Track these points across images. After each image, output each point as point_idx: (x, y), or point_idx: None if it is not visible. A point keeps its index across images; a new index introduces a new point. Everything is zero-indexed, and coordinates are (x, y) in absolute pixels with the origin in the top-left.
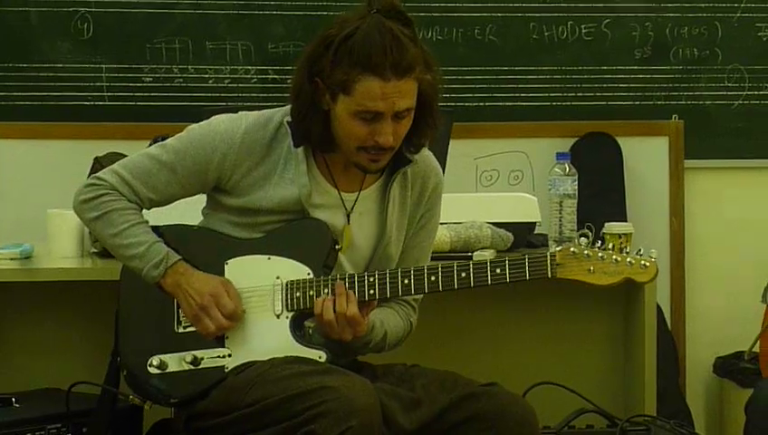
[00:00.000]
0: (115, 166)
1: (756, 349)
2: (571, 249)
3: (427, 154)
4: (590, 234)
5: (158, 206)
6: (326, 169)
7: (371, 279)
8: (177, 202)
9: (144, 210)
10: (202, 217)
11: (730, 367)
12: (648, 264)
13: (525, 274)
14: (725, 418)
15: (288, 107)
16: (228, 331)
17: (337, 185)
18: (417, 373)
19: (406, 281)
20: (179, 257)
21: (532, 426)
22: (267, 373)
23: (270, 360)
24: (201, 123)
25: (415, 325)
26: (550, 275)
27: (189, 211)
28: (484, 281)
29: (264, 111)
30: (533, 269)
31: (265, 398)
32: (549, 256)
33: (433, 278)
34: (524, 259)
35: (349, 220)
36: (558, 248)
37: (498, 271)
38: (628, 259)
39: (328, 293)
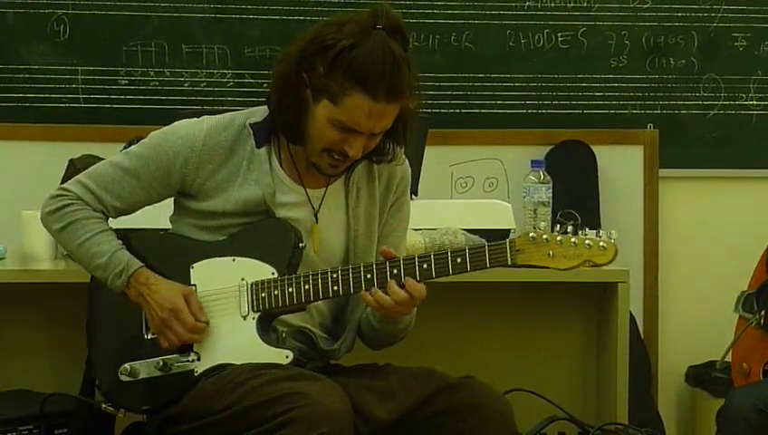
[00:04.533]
0: (80, 176)
1: (728, 359)
2: (530, 235)
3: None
4: (549, 217)
5: (123, 214)
6: (292, 168)
7: (335, 275)
8: (146, 208)
9: (110, 219)
10: (170, 225)
11: (702, 376)
12: (606, 245)
13: (486, 262)
14: (697, 427)
15: (250, 109)
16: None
17: (303, 183)
18: (392, 369)
19: (368, 275)
20: (140, 265)
21: (508, 419)
22: (238, 379)
23: (241, 365)
24: (163, 129)
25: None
26: (510, 262)
27: (159, 217)
28: (446, 271)
29: (226, 113)
30: (494, 257)
31: (237, 403)
32: (508, 243)
33: (395, 271)
34: (484, 248)
35: (317, 218)
36: (517, 235)
37: (459, 260)
38: (587, 241)
39: (293, 292)
